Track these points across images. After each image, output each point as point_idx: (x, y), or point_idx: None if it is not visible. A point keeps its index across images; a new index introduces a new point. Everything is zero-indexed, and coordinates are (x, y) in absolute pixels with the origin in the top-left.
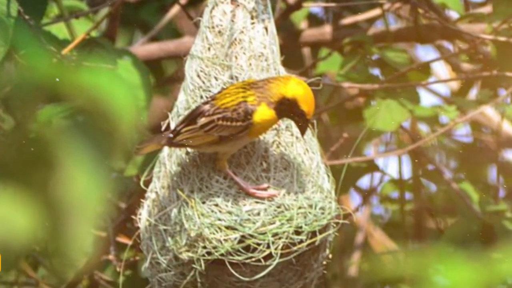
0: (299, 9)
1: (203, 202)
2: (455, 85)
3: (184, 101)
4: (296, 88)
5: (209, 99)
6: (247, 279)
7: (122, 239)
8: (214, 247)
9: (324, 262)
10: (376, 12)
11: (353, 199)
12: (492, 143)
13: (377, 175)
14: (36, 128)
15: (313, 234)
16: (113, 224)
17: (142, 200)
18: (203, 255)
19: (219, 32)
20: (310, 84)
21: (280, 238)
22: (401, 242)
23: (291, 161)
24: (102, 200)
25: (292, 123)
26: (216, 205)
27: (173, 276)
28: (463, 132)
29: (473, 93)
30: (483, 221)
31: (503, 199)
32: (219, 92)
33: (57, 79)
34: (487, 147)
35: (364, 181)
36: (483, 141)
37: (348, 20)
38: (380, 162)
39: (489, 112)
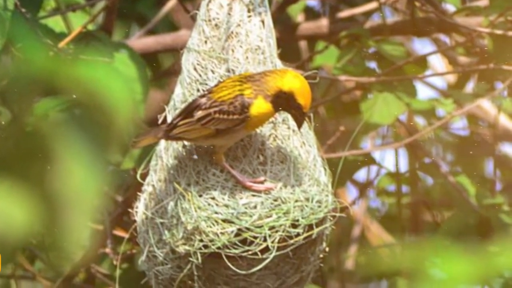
0: (296, 2)
1: (200, 195)
2: (451, 78)
3: (181, 94)
4: (293, 81)
5: (206, 92)
6: (243, 272)
7: (119, 232)
8: (211, 240)
9: (321, 255)
10: (372, 5)
11: (350, 192)
12: (489, 136)
13: (374, 168)
14: (32, 121)
15: (310, 227)
16: (110, 217)
17: (138, 193)
18: (200, 248)
19: (216, 25)
20: (306, 77)
21: (276, 231)
22: (398, 235)
23: (287, 154)
24: (98, 193)
25: (289, 116)
26: (213, 198)
27: (169, 269)
28: (459, 125)
29: (469, 86)
30: (479, 214)
31: (499, 192)
32: (215, 85)
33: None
34: (484, 140)
35: (361, 174)
36: (480, 134)
37: (344, 13)
38: (376, 155)
39: (486, 105)
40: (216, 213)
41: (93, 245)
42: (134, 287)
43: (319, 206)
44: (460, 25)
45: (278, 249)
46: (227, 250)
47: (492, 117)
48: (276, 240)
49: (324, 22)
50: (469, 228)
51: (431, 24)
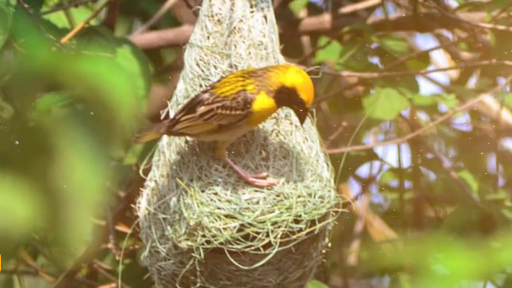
0: None
1: (202, 191)
2: (454, 73)
3: (183, 89)
4: (295, 76)
5: (208, 87)
6: (246, 267)
7: (121, 228)
8: (213, 236)
9: (323, 251)
10: (375, 0)
11: (352, 188)
12: (491, 132)
13: (376, 163)
14: (35, 117)
15: (312, 222)
16: (112, 213)
17: (141, 188)
18: (202, 244)
19: (218, 20)
20: (309, 73)
21: (279, 227)
22: (400, 231)
23: (290, 149)
24: (101, 188)
25: (291, 112)
26: (215, 193)
27: (172, 264)
28: (462, 121)
29: (472, 82)
30: (482, 210)
31: (502, 188)
32: (218, 81)
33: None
34: (486, 135)
35: (363, 170)
36: (482, 130)
37: (347, 8)
38: (379, 150)
39: (488, 100)
40: (218, 208)
41: (96, 241)
42: (137, 283)
43: (322, 202)
44: (462, 20)
45: (281, 244)
46: (230, 246)
47: (494, 112)
48: (279, 236)
49: (326, 18)
50: (472, 224)
51: (434, 19)
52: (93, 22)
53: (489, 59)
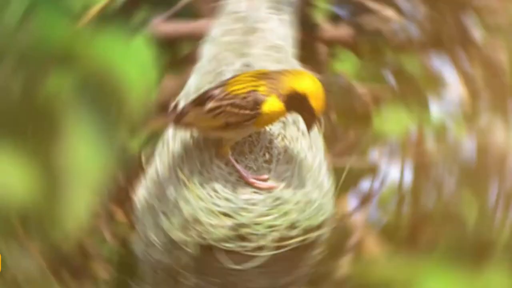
0: (318, 5)
1: (202, 186)
2: (466, 96)
3: (196, 83)
4: (308, 83)
5: (220, 84)
6: (236, 267)
7: (118, 216)
8: (207, 232)
9: (316, 260)
10: (394, 16)
11: (351, 201)
12: (497, 158)
13: (378, 179)
14: (45, 94)
15: (307, 230)
16: (110, 200)
17: (141, 177)
18: (196, 239)
19: (238, 18)
20: (322, 82)
21: (274, 231)
22: (395, 248)
23: (294, 155)
24: (101, 173)
25: (300, 118)
26: (215, 190)
27: (164, 255)
28: (469, 144)
29: (483, 105)
30: (479, 235)
31: (501, 215)
32: (231, 78)
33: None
34: (492, 161)
35: (364, 184)
36: (488, 155)
37: (366, 20)
38: (382, 166)
39: (498, 125)
40: (215, 205)
41: (92, 227)
42: (130, 271)
43: (319, 211)
44: (479, 42)
45: (274, 248)
46: (223, 244)
47: (503, 135)
48: (273, 240)
49: (345, 28)
50: (467, 248)
51: (451, 40)
52: (110, 8)
53: (502, 81)
